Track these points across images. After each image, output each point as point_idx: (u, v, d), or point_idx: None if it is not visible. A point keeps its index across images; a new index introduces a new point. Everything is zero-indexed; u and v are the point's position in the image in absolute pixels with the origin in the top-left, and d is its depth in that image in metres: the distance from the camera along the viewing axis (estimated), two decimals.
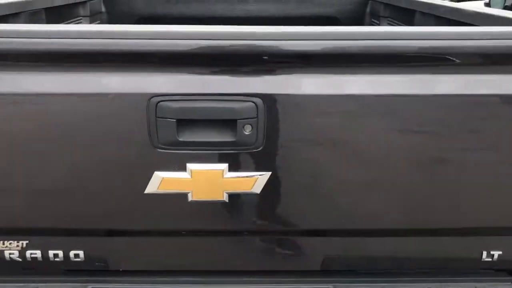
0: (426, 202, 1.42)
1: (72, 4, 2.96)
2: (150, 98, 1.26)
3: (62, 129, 1.31)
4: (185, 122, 1.28)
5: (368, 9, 3.44)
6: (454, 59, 1.27)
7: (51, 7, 2.61)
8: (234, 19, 3.43)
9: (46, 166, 1.35)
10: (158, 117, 1.27)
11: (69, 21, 2.92)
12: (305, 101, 1.30)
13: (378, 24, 3.24)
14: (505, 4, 5.61)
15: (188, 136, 1.29)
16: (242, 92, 1.28)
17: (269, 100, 1.28)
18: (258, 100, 1.27)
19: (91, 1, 3.24)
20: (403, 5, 2.78)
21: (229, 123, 1.28)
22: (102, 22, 3.39)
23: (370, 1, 3.41)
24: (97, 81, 1.27)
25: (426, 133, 1.33)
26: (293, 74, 1.30)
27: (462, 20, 1.92)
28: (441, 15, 2.18)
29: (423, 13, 2.42)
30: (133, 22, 3.43)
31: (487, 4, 5.83)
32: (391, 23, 3.07)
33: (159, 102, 1.26)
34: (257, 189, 1.34)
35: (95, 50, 1.24)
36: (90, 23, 3.21)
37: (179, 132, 1.28)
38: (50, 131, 1.31)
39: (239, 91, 1.28)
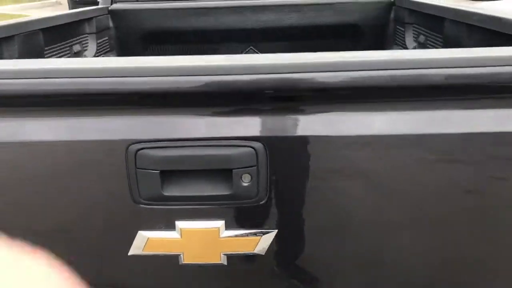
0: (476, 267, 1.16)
1: (76, 22, 2.79)
2: (128, 146, 1.05)
3: (27, 183, 1.10)
4: (171, 174, 1.07)
5: (392, 15, 3.16)
6: None
7: (51, 27, 2.44)
8: (248, 31, 3.22)
9: (13, 225, 1.15)
10: (139, 168, 1.06)
11: (72, 40, 2.75)
12: (316, 144, 1.07)
13: (403, 31, 2.97)
14: None
15: (174, 190, 1.07)
16: (237, 136, 1.05)
17: (272, 144, 1.05)
18: (257, 145, 1.04)
19: (98, 17, 3.06)
20: (431, 11, 2.51)
21: (223, 173, 1.06)
22: (110, 38, 3.22)
23: (394, 7, 3.14)
24: (63, 127, 1.06)
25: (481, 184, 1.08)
26: (299, 113, 1.07)
27: (502, 30, 1.65)
28: (475, 24, 1.90)
29: (453, 21, 2.15)
30: (142, 36, 3.25)
31: None
32: (417, 30, 2.80)
33: (138, 150, 1.05)
34: (261, 249, 1.11)
35: (59, 91, 1.03)
36: (97, 40, 3.04)
37: (164, 185, 1.07)
38: (13, 185, 1.11)
39: (234, 134, 1.05)
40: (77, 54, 2.80)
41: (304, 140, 1.06)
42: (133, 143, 1.05)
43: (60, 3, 16.69)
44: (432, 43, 2.54)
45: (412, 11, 2.86)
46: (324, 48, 2.99)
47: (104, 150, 1.08)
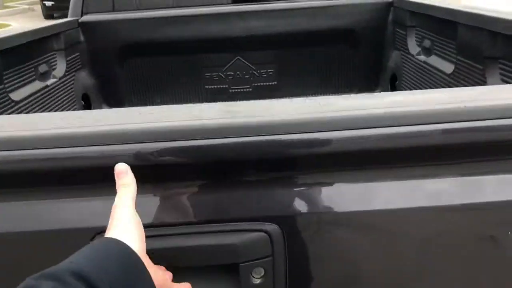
0: None
1: (41, 39, 2.47)
2: (95, 236, 0.76)
3: None
4: None
5: (390, 17, 2.90)
6: None
7: (10, 48, 2.13)
8: (234, 40, 2.93)
9: None
10: None
11: (37, 60, 2.43)
12: (349, 222, 0.79)
13: (404, 35, 2.71)
14: None
15: None
16: (244, 217, 0.77)
17: (291, 225, 0.77)
18: (272, 228, 0.77)
19: (67, 31, 2.75)
20: (438, 14, 2.24)
21: (227, 269, 0.78)
22: (81, 54, 2.90)
23: (392, 8, 2.88)
24: (11, 214, 0.77)
25: None
26: (326, 184, 0.79)
27: None
28: (501, 32, 1.64)
29: (471, 27, 1.89)
30: (118, 50, 2.94)
31: None
32: (421, 33, 2.54)
33: None
34: None
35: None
36: (67, 57, 2.73)
37: None
38: None
39: (240, 215, 0.77)
40: (44, 75, 2.49)
41: (333, 218, 0.78)
42: (102, 232, 0.76)
43: (33, 10, 16.09)
44: (440, 49, 2.28)
45: (414, 13, 2.61)
46: (318, 55, 2.72)
47: (63, 242, 0.79)
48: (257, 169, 0.78)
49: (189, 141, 0.72)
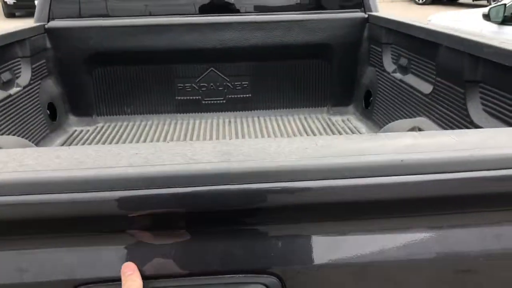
0: None
1: (3, 45, 2.33)
2: None
3: None
4: None
5: (365, 34, 2.89)
6: None
7: None
8: (208, 51, 2.86)
9: None
10: None
11: (0, 68, 2.30)
12: (356, 274, 0.73)
13: (380, 52, 2.70)
14: (505, 14, 5.06)
15: None
16: (240, 269, 0.70)
17: (291, 278, 0.71)
18: (270, 281, 0.70)
19: (32, 38, 2.61)
20: (416, 34, 2.23)
21: None
22: (48, 61, 2.77)
23: (368, 24, 2.87)
24: None
25: None
26: (328, 233, 0.73)
27: None
28: (483, 57, 1.64)
29: (451, 49, 1.88)
30: (86, 58, 2.82)
31: (486, 16, 5.28)
32: (397, 51, 2.53)
33: None
34: None
35: None
36: (32, 64, 2.59)
37: None
38: None
39: (237, 267, 0.70)
40: (7, 84, 2.35)
41: (337, 270, 0.73)
42: (82, 284, 0.69)
43: None
44: (418, 69, 2.28)
45: (390, 30, 2.60)
46: (293, 69, 2.67)
47: None
48: (256, 218, 0.71)
49: (181, 188, 0.65)
